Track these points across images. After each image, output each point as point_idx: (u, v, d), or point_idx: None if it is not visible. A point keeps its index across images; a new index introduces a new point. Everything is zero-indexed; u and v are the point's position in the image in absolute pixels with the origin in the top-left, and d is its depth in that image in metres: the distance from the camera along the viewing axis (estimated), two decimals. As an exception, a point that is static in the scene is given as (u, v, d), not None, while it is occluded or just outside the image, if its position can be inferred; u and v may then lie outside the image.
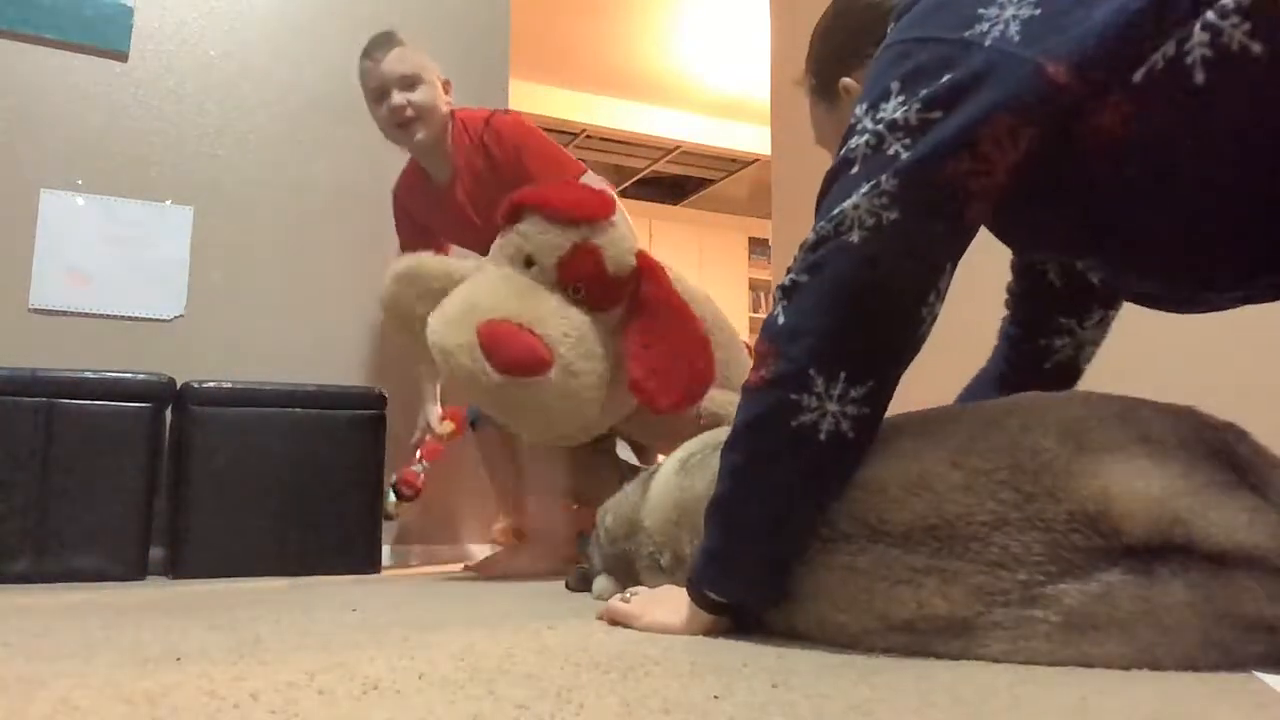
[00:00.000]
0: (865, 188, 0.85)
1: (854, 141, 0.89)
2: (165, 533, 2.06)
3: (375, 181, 2.63)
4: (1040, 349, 1.19)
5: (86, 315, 2.33)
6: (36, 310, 2.28)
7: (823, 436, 0.86)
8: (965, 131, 0.83)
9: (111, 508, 1.93)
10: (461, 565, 2.31)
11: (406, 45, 2.18)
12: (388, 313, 1.90)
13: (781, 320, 0.89)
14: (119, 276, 2.37)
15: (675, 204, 6.89)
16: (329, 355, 2.50)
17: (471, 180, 2.15)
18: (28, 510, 1.87)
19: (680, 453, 1.30)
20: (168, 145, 2.47)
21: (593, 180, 2.03)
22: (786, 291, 0.90)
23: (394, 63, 2.13)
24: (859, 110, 0.90)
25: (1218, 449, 0.80)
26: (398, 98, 2.11)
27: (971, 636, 0.82)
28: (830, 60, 1.17)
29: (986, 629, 0.81)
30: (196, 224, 2.46)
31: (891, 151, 0.85)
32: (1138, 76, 0.78)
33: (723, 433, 1.27)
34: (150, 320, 2.39)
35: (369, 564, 2.13)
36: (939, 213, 0.85)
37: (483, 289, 1.76)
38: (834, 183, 0.90)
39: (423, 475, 2.26)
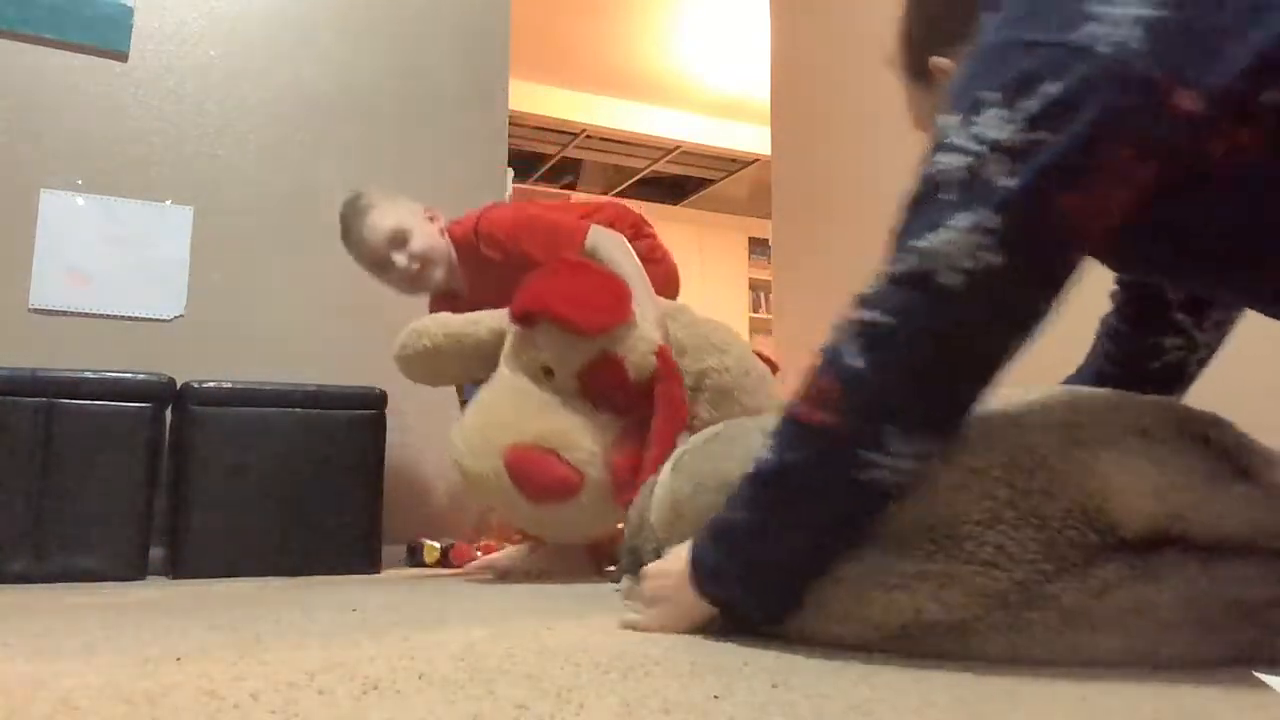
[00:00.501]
0: (963, 220, 0.74)
1: (944, 160, 0.77)
2: (165, 533, 2.06)
3: (376, 181, 2.63)
4: (1148, 347, 1.09)
5: (86, 315, 2.33)
6: (36, 310, 2.29)
7: (884, 490, 0.82)
8: (1077, 160, 0.73)
9: (111, 508, 1.93)
10: (463, 566, 2.31)
11: (373, 201, 2.05)
12: (404, 372, 1.94)
13: (858, 363, 0.79)
14: (119, 276, 2.37)
15: (675, 204, 6.88)
16: (329, 355, 2.50)
17: (483, 286, 2.07)
18: (28, 510, 1.87)
19: (677, 450, 1.31)
20: (168, 145, 2.47)
21: (602, 238, 1.95)
22: (864, 328, 0.79)
23: (376, 228, 2.01)
24: (948, 121, 0.79)
25: (1206, 440, 0.81)
26: (399, 259, 2.00)
27: (969, 639, 0.82)
28: (919, 40, 1.06)
29: (984, 632, 0.81)
30: (196, 224, 2.46)
31: (993, 178, 0.74)
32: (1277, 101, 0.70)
33: (714, 430, 1.29)
34: (150, 320, 2.39)
35: (369, 564, 2.13)
36: (1046, 258, 0.76)
37: (503, 407, 1.74)
38: (921, 205, 0.79)
39: (474, 555, 2.34)
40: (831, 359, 0.82)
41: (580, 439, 1.71)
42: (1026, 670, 0.77)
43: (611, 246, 1.94)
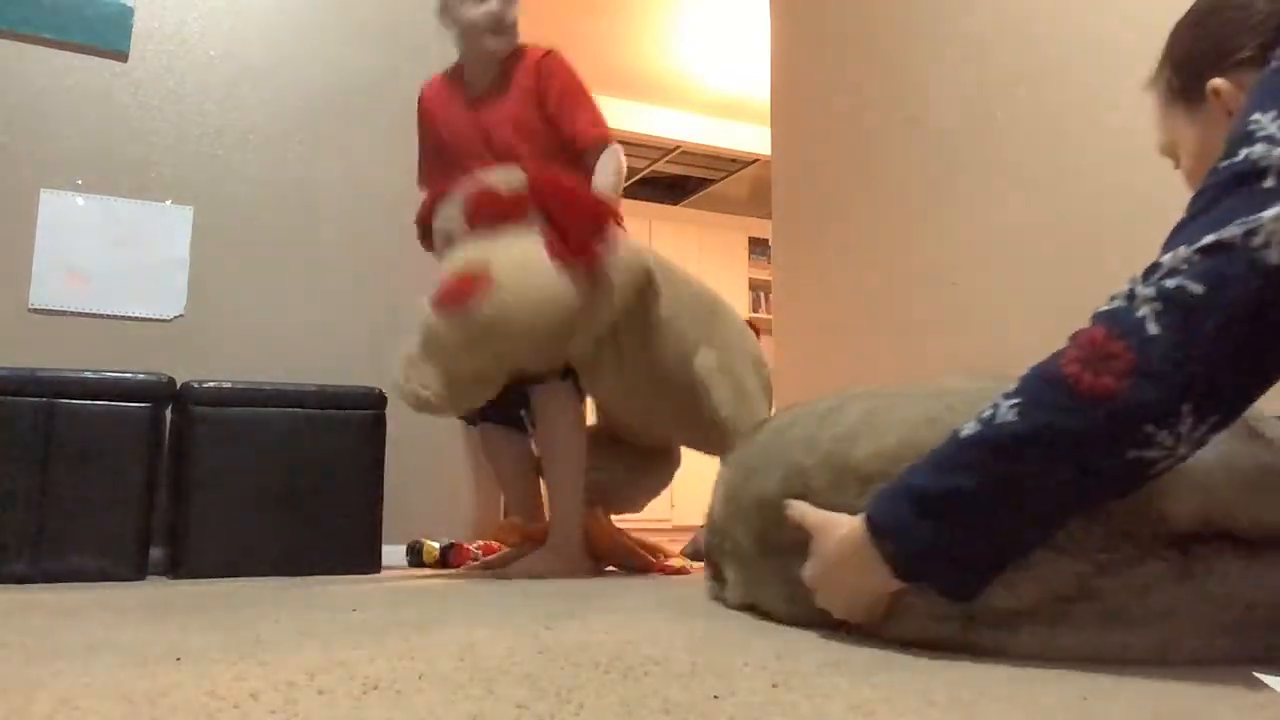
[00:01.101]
0: None
1: (1261, 150, 0.76)
2: (165, 533, 2.06)
3: (375, 180, 2.63)
4: None
5: (86, 315, 2.33)
6: (36, 310, 2.29)
7: (1145, 475, 0.76)
8: None
9: (111, 508, 1.93)
10: (464, 565, 2.31)
11: None
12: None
13: (1154, 329, 0.73)
14: (119, 276, 2.37)
15: (675, 204, 6.88)
16: (329, 355, 2.50)
17: (520, 101, 2.18)
18: (28, 510, 1.87)
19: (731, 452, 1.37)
20: (168, 145, 2.47)
21: (615, 152, 2.14)
22: (1164, 294, 0.74)
23: None
24: (1262, 117, 0.79)
25: (1254, 435, 0.81)
26: (499, 5, 2.13)
27: (1010, 629, 0.83)
28: (1200, 58, 1.03)
29: (1026, 625, 0.82)
30: (196, 224, 2.46)
31: None
32: None
33: (764, 420, 1.32)
34: (150, 320, 2.39)
35: (369, 564, 2.13)
36: None
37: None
38: (1232, 191, 0.76)
39: (475, 556, 2.35)
40: (1117, 322, 0.76)
41: (473, 252, 1.88)
42: (1026, 670, 0.77)
43: (613, 162, 2.13)
